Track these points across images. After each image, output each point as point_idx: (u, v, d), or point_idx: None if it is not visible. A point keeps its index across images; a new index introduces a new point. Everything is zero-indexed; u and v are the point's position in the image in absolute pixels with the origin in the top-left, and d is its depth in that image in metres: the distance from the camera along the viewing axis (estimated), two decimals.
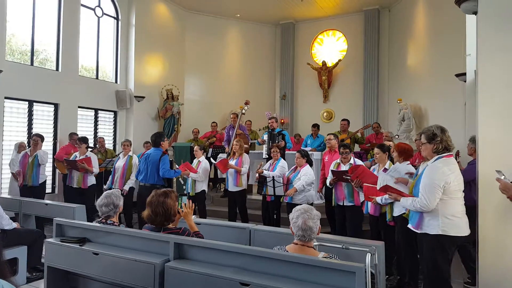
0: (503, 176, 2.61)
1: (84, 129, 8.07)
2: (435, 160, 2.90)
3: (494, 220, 3.02)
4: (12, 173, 6.23)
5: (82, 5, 8.08)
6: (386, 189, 3.30)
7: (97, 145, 7.69)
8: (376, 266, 2.74)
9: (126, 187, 5.96)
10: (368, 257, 2.51)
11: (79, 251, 2.65)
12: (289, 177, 5.18)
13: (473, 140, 4.21)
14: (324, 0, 9.84)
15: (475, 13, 3.14)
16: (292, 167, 5.38)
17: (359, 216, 4.71)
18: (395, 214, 3.90)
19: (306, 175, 5.01)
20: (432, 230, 2.86)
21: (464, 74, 5.81)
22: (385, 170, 4.29)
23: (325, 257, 2.12)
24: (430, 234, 2.87)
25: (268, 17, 11.12)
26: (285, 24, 11.42)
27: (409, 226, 3.11)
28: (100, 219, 2.89)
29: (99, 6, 8.56)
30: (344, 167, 4.79)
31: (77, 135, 7.07)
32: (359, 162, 4.90)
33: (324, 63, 10.77)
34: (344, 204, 4.73)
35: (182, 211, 2.72)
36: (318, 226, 2.20)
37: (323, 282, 1.94)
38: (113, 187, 6.22)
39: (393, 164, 4.43)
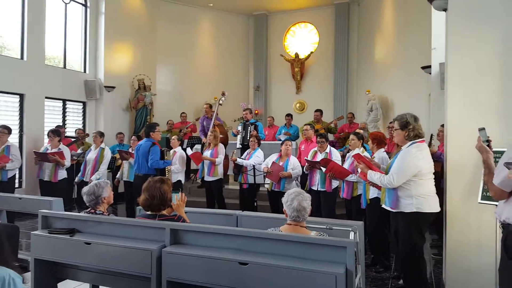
0: (486, 137, 2.49)
1: (52, 120, 7.81)
2: (409, 145, 3.13)
3: (460, 200, 3.33)
4: None
5: None
6: (358, 157, 3.53)
7: (79, 137, 7.71)
8: (357, 244, 2.95)
9: (93, 178, 5.95)
10: (352, 235, 2.71)
11: (70, 242, 2.63)
12: (281, 165, 5.32)
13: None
14: None
15: (445, 10, 3.38)
16: (276, 155, 5.50)
17: (332, 200, 5.01)
18: (371, 196, 4.15)
19: (299, 165, 5.24)
20: (407, 208, 3.10)
21: (429, 66, 6.16)
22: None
23: (317, 235, 2.28)
24: (405, 213, 3.11)
25: (241, 8, 11.14)
26: (258, 15, 11.49)
27: (385, 206, 3.32)
28: (89, 209, 2.90)
29: None
30: (320, 156, 5.05)
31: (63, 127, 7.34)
32: (334, 150, 5.14)
33: (296, 54, 10.98)
34: (318, 189, 5.00)
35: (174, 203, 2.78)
36: (310, 207, 2.36)
37: (317, 258, 2.09)
38: (84, 179, 6.22)
39: (366, 150, 4.75)
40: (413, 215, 3.10)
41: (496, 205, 2.28)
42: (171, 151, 6.15)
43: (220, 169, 6.03)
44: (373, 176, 3.27)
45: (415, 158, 3.08)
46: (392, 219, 3.44)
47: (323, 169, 4.84)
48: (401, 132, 3.16)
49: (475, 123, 2.77)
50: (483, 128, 2.48)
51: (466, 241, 3.30)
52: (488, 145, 2.42)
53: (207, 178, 6.00)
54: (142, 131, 8.85)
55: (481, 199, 3.10)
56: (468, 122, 3.21)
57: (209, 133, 6.22)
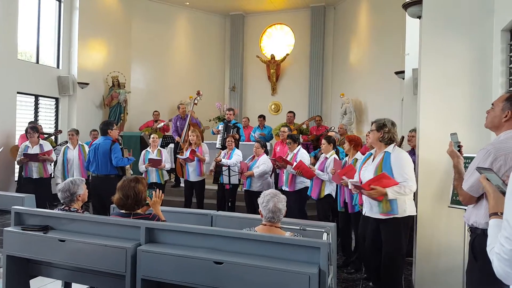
0: (457, 142, 2.51)
1: (24, 116, 7.56)
2: (393, 148, 3.19)
3: (431, 201, 3.45)
4: None
5: None
6: (369, 184, 3.11)
7: (52, 134, 7.57)
8: (330, 245, 3.03)
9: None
10: (325, 236, 2.78)
11: (43, 238, 2.58)
12: (249, 165, 5.46)
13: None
14: None
15: (419, 17, 3.51)
16: (251, 156, 5.64)
17: (299, 199, 5.03)
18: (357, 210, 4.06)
19: (265, 163, 5.30)
20: (402, 213, 3.12)
21: (403, 72, 6.34)
22: (326, 159, 4.69)
23: (291, 236, 2.34)
24: (399, 217, 3.11)
25: (218, 7, 11.11)
26: (235, 16, 11.49)
27: (372, 215, 3.23)
28: (63, 206, 2.85)
29: None
30: (290, 155, 5.18)
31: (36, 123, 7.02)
32: (301, 151, 5.20)
33: (272, 56, 11.05)
34: (283, 189, 5.07)
35: (151, 200, 2.76)
36: (285, 209, 2.41)
37: (291, 258, 2.13)
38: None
39: (340, 153, 4.88)
40: (406, 219, 3.16)
41: (465, 209, 2.32)
42: (155, 150, 6.16)
43: (205, 169, 6.08)
44: (394, 193, 3.02)
45: (409, 160, 3.19)
46: (382, 225, 3.31)
47: (290, 167, 4.91)
48: (376, 133, 3.22)
49: (446, 128, 2.85)
50: (455, 133, 2.50)
51: (436, 244, 3.41)
52: (459, 150, 2.46)
53: (193, 178, 5.98)
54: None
55: (451, 203, 3.21)
56: (440, 127, 3.31)
57: (190, 133, 6.19)
